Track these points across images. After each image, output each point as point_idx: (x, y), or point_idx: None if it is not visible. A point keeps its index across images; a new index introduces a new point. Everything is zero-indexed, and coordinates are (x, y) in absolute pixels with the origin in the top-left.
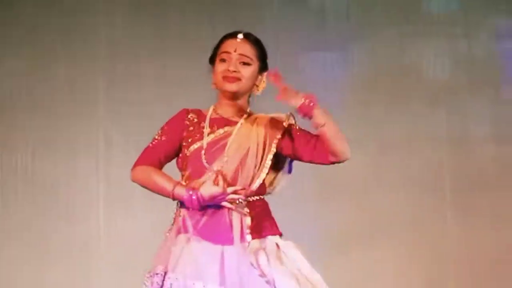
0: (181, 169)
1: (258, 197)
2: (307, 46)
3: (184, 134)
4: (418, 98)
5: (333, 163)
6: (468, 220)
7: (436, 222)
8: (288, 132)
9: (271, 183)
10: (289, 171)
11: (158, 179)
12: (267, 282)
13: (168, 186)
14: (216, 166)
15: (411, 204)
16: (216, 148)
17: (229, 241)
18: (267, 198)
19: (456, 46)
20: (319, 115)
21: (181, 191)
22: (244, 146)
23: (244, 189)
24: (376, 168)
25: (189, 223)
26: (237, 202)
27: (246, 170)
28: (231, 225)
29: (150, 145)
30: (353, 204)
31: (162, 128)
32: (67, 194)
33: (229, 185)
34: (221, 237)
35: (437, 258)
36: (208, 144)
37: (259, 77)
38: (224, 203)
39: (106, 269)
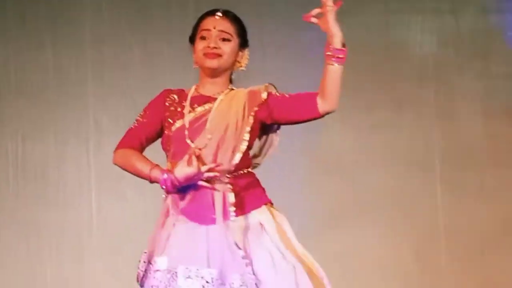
0: (166, 149)
1: (242, 171)
2: (290, 23)
3: (166, 114)
4: (406, 75)
5: (324, 114)
6: (458, 196)
7: (426, 198)
8: (267, 102)
9: (259, 153)
10: (277, 129)
11: (136, 162)
12: (247, 264)
13: (145, 169)
14: (198, 144)
15: (401, 181)
16: (197, 125)
17: (213, 221)
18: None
19: (443, 21)
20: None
21: (156, 173)
22: (224, 122)
23: (218, 165)
24: (366, 146)
25: (174, 205)
26: (217, 179)
27: (225, 145)
28: (213, 204)
29: (132, 127)
30: (342, 181)
31: (144, 110)
32: (58, 180)
33: (209, 163)
34: (205, 216)
35: (428, 234)
36: (189, 122)
37: (240, 53)
38: (201, 183)
39: (98, 255)
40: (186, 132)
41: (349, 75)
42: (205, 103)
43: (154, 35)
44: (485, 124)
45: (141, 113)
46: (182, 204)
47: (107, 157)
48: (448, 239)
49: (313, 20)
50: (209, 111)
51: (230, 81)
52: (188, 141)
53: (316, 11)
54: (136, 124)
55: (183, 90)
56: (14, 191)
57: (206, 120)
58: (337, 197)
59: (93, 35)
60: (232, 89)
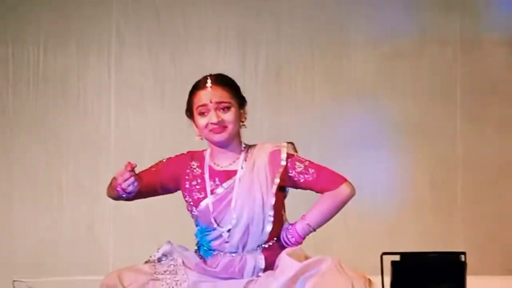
0: (194, 220)
1: (274, 240)
2: None
3: (186, 185)
4: (432, 2)
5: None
6: (477, 126)
7: (446, 127)
8: (287, 168)
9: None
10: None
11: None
12: None
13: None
14: (225, 226)
15: (422, 110)
16: (222, 207)
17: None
18: None
19: None
20: (306, 232)
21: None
22: (249, 200)
23: (133, 165)
24: (387, 72)
25: (200, 267)
26: (249, 250)
27: (255, 220)
28: (242, 276)
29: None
30: (362, 107)
31: (160, 161)
32: (78, 90)
33: (241, 239)
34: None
35: (445, 163)
36: (213, 204)
37: (241, 112)
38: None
39: (115, 162)
40: (212, 217)
41: (374, 2)
42: (226, 179)
43: None
44: (509, 54)
45: (158, 162)
46: (210, 270)
47: (128, 69)
48: (465, 169)
49: None
50: (232, 189)
51: (239, 136)
52: (214, 224)
53: None
54: (145, 170)
55: (203, 155)
56: (34, 99)
57: (230, 200)
58: (357, 123)
59: None
60: (247, 147)
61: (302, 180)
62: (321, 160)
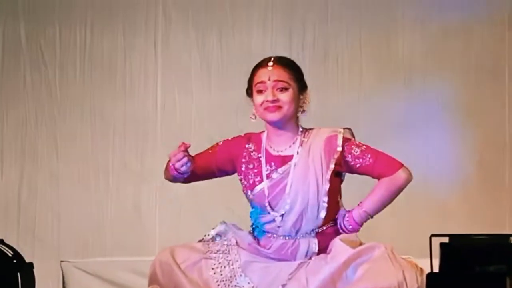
0: (249, 202)
1: (328, 225)
2: None
3: (242, 168)
4: None
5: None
6: None
7: (494, 108)
8: (344, 153)
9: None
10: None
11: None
12: None
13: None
14: (279, 211)
15: (469, 89)
16: (277, 192)
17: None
18: None
19: None
20: (364, 219)
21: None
22: (303, 186)
23: (186, 145)
24: (435, 52)
25: (258, 249)
26: (303, 234)
27: (310, 208)
28: (295, 258)
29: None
30: (410, 88)
31: (217, 143)
32: (125, 70)
33: (294, 224)
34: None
35: (493, 144)
36: (268, 188)
37: (301, 97)
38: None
39: (161, 143)
40: (267, 201)
41: None
42: (281, 164)
43: None
44: None
45: (213, 144)
46: (263, 251)
47: (174, 49)
48: None
49: None
50: (287, 174)
51: (298, 123)
52: (269, 209)
53: None
54: (201, 152)
55: (260, 138)
56: (81, 80)
57: (285, 185)
58: (405, 103)
59: None
60: (304, 131)
61: (358, 166)
62: (368, 141)
